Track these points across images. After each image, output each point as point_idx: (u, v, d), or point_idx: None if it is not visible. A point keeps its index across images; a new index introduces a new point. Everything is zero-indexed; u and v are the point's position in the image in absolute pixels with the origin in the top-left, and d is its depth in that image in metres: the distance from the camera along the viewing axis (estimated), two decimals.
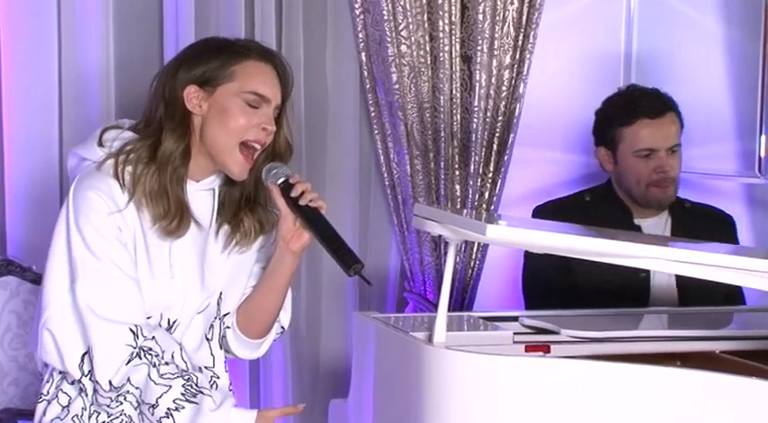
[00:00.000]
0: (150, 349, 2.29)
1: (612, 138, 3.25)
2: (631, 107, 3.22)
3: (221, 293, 2.45)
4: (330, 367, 3.62)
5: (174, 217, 2.32)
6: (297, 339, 3.59)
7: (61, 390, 2.39)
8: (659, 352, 2.64)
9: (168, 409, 2.27)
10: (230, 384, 2.50)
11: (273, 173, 2.38)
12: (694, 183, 3.42)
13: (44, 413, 2.41)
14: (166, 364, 2.29)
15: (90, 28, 3.31)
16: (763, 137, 3.58)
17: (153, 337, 2.31)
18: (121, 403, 2.30)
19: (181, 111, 2.35)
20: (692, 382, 2.30)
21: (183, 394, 2.27)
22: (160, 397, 2.27)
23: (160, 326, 2.36)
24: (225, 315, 2.47)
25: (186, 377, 2.30)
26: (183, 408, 2.27)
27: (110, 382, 2.27)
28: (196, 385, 2.30)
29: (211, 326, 2.45)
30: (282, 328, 2.59)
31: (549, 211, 3.29)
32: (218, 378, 2.45)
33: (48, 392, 2.41)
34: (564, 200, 3.38)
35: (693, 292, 3.16)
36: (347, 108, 3.60)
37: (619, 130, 3.23)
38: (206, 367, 2.44)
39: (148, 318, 2.34)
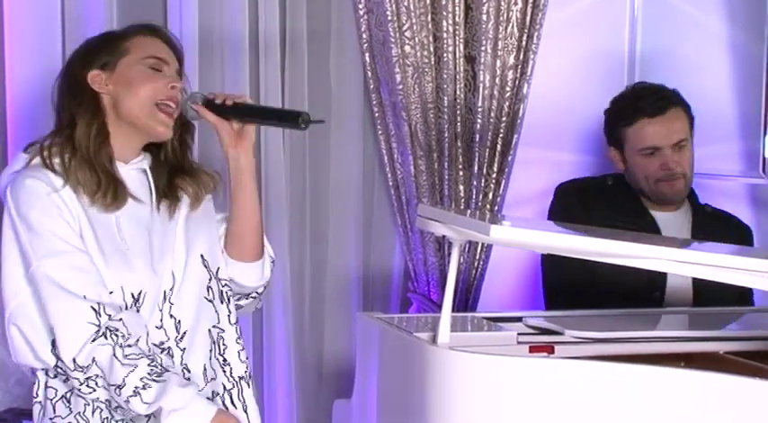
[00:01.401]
0: (117, 330, 2.30)
1: (618, 138, 3.25)
2: (632, 107, 3.22)
3: (203, 256, 2.47)
4: (334, 368, 3.62)
5: (108, 188, 2.37)
6: (301, 340, 3.59)
7: (49, 386, 2.40)
8: (663, 352, 2.63)
9: (135, 387, 2.28)
10: (247, 369, 2.51)
11: (191, 97, 2.47)
12: (698, 183, 3.42)
13: (42, 414, 2.42)
14: (129, 346, 2.31)
15: (94, 10, 3.31)
16: (767, 137, 3.58)
17: (120, 319, 2.32)
18: (94, 390, 2.31)
19: (89, 95, 2.42)
20: (695, 382, 2.30)
21: (149, 374, 2.29)
22: (127, 376, 2.28)
23: (128, 307, 2.37)
24: (218, 271, 2.49)
25: (151, 358, 2.32)
26: (150, 386, 2.28)
27: (74, 361, 2.29)
28: (161, 365, 2.32)
29: (209, 287, 2.47)
30: (272, 258, 2.61)
31: (572, 190, 3.30)
32: (224, 331, 2.48)
33: (37, 394, 2.42)
34: (588, 180, 3.39)
35: (709, 293, 3.15)
36: (351, 108, 3.60)
37: (623, 130, 3.23)
38: (213, 326, 2.46)
39: (111, 293, 2.35)
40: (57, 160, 2.38)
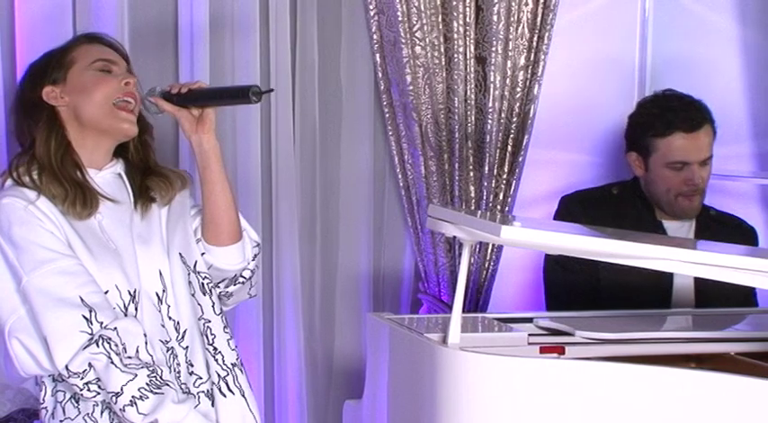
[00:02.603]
0: (110, 339, 2.30)
1: (646, 146, 3.22)
2: (668, 118, 3.18)
3: (180, 253, 2.49)
4: (344, 368, 3.62)
5: (76, 197, 2.39)
6: (311, 340, 3.59)
7: (58, 390, 2.40)
8: (674, 353, 2.63)
9: (133, 396, 2.28)
10: (238, 358, 2.52)
11: (149, 91, 2.50)
12: (710, 184, 3.41)
13: (52, 417, 2.42)
14: (129, 357, 2.31)
15: (106, 6, 3.31)
16: None
17: (115, 329, 2.32)
18: (98, 393, 2.32)
19: (46, 112, 2.45)
20: (706, 383, 2.29)
21: (147, 384, 2.30)
22: (125, 385, 2.28)
23: (126, 306, 2.38)
24: (195, 265, 2.51)
25: (151, 369, 2.32)
26: (148, 397, 2.29)
27: (67, 368, 2.29)
28: (161, 378, 2.33)
29: (189, 282, 2.49)
30: (256, 241, 2.61)
31: (576, 201, 3.29)
32: (210, 321, 2.49)
33: (44, 400, 2.43)
34: (592, 190, 3.38)
35: (711, 294, 3.15)
36: (361, 109, 3.60)
37: (653, 139, 3.20)
38: (198, 318, 2.48)
39: (106, 292, 2.36)
40: (26, 178, 2.41)
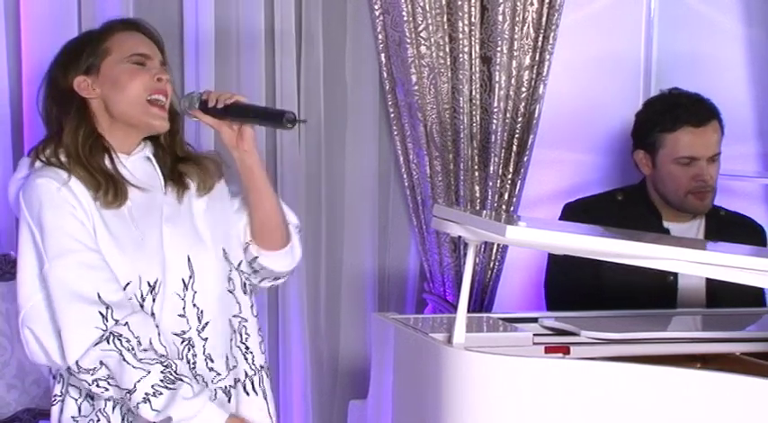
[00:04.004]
0: (121, 335, 2.30)
1: (653, 142, 3.22)
2: (676, 113, 3.18)
3: (224, 249, 2.49)
4: (349, 368, 3.62)
5: (108, 188, 2.39)
6: (316, 340, 3.59)
7: (71, 385, 2.40)
8: (680, 353, 2.63)
9: (146, 393, 2.28)
10: (266, 362, 2.55)
11: (188, 102, 2.49)
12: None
13: (61, 412, 2.42)
14: (144, 350, 2.31)
15: (111, 9, 3.31)
16: None
17: (126, 324, 2.31)
18: (106, 389, 2.32)
19: (76, 102, 2.44)
20: (712, 383, 2.29)
21: (161, 381, 2.29)
22: (138, 381, 2.28)
23: (143, 296, 2.38)
24: (239, 264, 2.52)
25: (165, 363, 2.31)
26: (161, 393, 2.29)
27: (77, 364, 2.29)
28: (175, 372, 2.32)
29: (230, 279, 2.50)
30: (297, 226, 2.63)
31: (579, 209, 3.28)
32: (246, 320, 2.51)
33: (60, 393, 2.43)
34: (595, 198, 3.37)
35: (722, 294, 3.15)
36: (366, 109, 3.60)
37: (661, 135, 3.20)
38: (234, 316, 2.49)
39: (127, 284, 2.36)
40: (54, 159, 2.41)
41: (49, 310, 2.34)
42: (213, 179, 2.53)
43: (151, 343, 2.33)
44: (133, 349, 2.30)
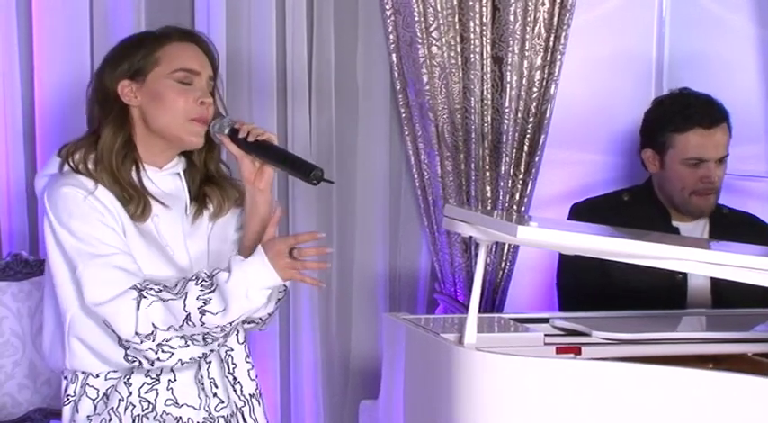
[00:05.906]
0: (147, 285, 2.33)
1: (663, 142, 3.22)
2: (687, 114, 3.19)
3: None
4: (360, 368, 3.62)
5: (138, 203, 2.40)
6: (327, 340, 3.59)
7: (88, 385, 2.41)
8: (691, 354, 2.62)
9: (199, 307, 2.30)
10: (257, 388, 2.53)
11: (218, 126, 2.46)
12: (725, 184, 3.40)
13: (76, 411, 2.43)
14: (175, 285, 2.34)
15: (122, 17, 3.32)
16: None
17: (144, 280, 2.35)
18: (172, 353, 2.34)
19: (117, 106, 2.43)
20: (724, 384, 2.29)
21: (201, 290, 2.31)
22: (185, 305, 2.30)
23: None
24: None
25: (192, 278, 2.33)
26: (210, 299, 2.30)
27: (137, 334, 2.31)
28: (206, 276, 2.33)
29: None
30: (284, 286, 2.56)
31: (587, 210, 3.28)
32: (232, 350, 2.50)
33: (74, 393, 2.44)
34: (602, 198, 3.37)
35: (729, 295, 3.14)
36: (378, 109, 3.60)
37: (670, 135, 3.21)
38: (219, 344, 2.47)
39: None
40: (81, 166, 2.41)
41: (90, 315, 2.35)
42: (229, 207, 2.53)
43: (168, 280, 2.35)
44: (165, 288, 2.32)
